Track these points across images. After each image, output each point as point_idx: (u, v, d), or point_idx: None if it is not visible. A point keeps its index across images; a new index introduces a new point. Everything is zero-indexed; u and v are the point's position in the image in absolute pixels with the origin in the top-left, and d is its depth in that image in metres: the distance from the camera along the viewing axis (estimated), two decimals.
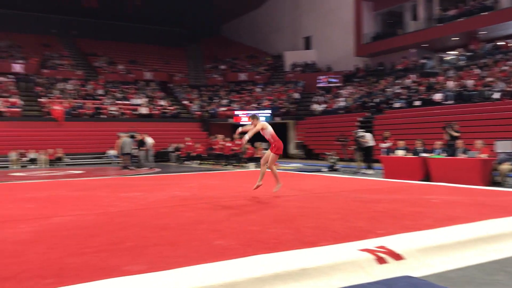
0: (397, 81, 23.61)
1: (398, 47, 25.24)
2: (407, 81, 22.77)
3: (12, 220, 5.80)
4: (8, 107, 23.54)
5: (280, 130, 27.36)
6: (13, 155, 20.72)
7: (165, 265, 3.45)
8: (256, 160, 17.91)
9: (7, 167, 20.19)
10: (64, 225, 5.36)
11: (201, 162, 20.56)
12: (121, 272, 3.30)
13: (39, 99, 25.47)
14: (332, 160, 15.36)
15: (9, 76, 26.79)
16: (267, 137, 7.70)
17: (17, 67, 27.84)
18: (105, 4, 36.76)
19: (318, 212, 5.98)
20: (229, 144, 19.28)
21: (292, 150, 26.79)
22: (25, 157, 21.14)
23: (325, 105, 26.33)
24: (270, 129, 7.64)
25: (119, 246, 4.20)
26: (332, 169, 14.93)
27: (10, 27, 32.97)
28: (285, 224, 5.15)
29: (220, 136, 20.64)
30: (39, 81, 27.28)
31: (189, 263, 3.48)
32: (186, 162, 21.10)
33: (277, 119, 26.53)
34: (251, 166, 16.93)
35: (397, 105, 21.54)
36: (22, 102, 24.58)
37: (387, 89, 23.38)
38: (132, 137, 18.29)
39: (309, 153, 24.63)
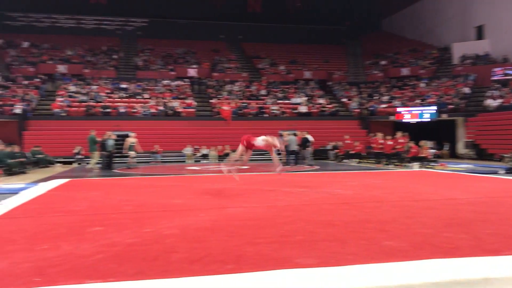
0: None
1: None
2: None
3: (193, 209, 6.45)
4: (185, 108, 26.29)
5: (447, 127, 25.50)
6: (188, 150, 23.11)
7: (335, 261, 3.48)
8: (420, 159, 16.95)
9: (183, 161, 22.57)
10: (238, 215, 5.78)
11: (360, 160, 20.24)
12: (294, 264, 3.43)
13: (210, 100, 27.88)
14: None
15: (185, 80, 29.94)
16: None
17: (192, 72, 31.02)
18: (268, 7, 38.57)
19: (498, 218, 5.41)
20: (390, 143, 18.58)
21: (461, 149, 24.68)
22: (198, 152, 23.35)
23: (501, 100, 23.66)
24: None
25: (289, 238, 4.38)
26: (511, 171, 13.37)
27: (186, 35, 36.77)
28: (460, 229, 4.78)
29: (380, 134, 19.99)
30: (210, 83, 29.89)
31: (359, 261, 3.46)
32: (344, 161, 20.97)
33: (444, 116, 24.68)
34: (415, 166, 16.05)
35: None
36: (196, 103, 27.21)
37: None
38: (294, 135, 18.85)
39: (481, 153, 22.39)
